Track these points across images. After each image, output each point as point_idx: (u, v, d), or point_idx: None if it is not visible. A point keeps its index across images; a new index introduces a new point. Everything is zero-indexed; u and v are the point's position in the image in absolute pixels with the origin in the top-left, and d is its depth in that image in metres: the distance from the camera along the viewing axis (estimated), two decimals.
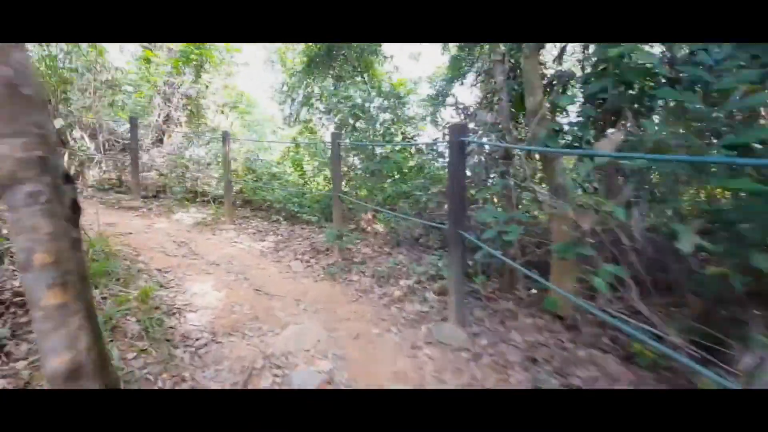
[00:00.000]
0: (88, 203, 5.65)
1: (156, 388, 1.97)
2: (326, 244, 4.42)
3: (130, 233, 4.42)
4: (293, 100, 7.66)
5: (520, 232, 2.22)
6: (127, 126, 7.04)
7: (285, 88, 7.61)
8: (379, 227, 5.38)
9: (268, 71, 11.78)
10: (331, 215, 5.54)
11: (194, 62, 7.01)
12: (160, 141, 7.93)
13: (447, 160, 2.42)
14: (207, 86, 7.24)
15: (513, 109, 3.32)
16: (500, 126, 2.79)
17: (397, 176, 5.26)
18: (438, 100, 6.26)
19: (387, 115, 5.58)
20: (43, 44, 6.55)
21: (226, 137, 5.12)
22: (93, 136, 6.76)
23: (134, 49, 8.18)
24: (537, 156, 3.04)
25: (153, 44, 7.72)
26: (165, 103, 7.75)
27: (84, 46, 6.75)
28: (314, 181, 6.55)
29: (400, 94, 5.38)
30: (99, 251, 3.38)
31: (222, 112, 7.55)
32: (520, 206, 2.85)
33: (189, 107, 7.52)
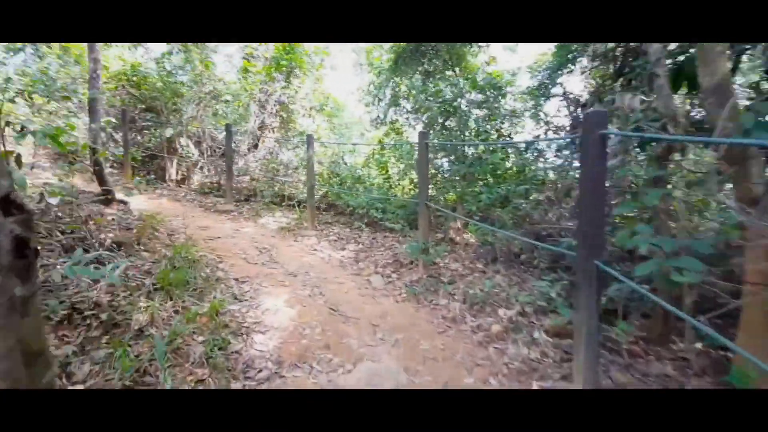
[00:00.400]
0: (189, 206, 6.01)
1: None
2: (410, 256, 3.94)
3: (218, 237, 4.46)
4: (380, 100, 7.35)
5: (700, 270, 1.45)
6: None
7: (372, 88, 7.32)
8: (471, 238, 4.73)
9: (356, 74, 11.77)
10: (416, 222, 5.07)
11: (285, 68, 7.12)
12: (255, 146, 8.30)
13: (555, 161, 1.74)
14: (296, 91, 7.31)
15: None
16: (656, 112, 1.98)
17: (491, 180, 4.56)
18: (541, 91, 5.38)
19: (481, 111, 4.91)
20: (161, 62, 7.23)
21: (309, 141, 4.97)
22: (198, 144, 7.26)
23: (236, 61, 8.71)
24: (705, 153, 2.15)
25: (252, 55, 8.09)
26: (260, 110, 8.05)
27: (195, 59, 7.30)
28: (399, 185, 6.15)
29: (499, 84, 4.66)
30: (182, 258, 3.36)
31: (309, 116, 7.58)
32: (688, 229, 2.00)
33: (281, 113, 7.68)
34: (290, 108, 7.52)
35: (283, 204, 6.23)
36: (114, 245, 3.21)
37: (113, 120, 6.77)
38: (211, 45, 8.78)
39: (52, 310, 2.10)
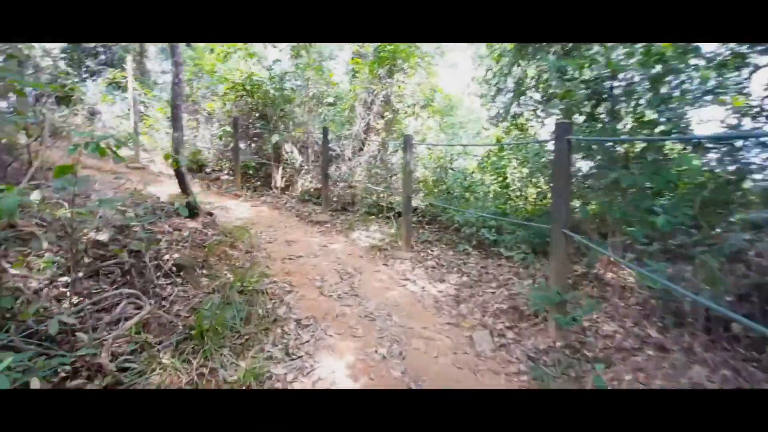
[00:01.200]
0: (285, 215, 5.74)
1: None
2: (535, 307, 2.72)
3: (300, 256, 3.91)
4: (500, 91, 6.07)
5: None
6: (336, 138, 7.10)
7: (490, 75, 6.09)
8: (630, 278, 3.23)
9: (474, 67, 10.52)
10: (541, 246, 3.75)
11: (387, 62, 6.40)
12: (361, 150, 7.83)
13: None
14: (401, 87, 6.54)
15: None
16: None
17: (665, 190, 2.98)
18: (740, 60, 3.45)
19: (645, 92, 3.33)
20: (271, 68, 7.26)
21: (407, 142, 4.09)
22: (303, 150, 7.08)
23: (344, 64, 8.40)
24: None
25: (358, 53, 7.64)
26: (366, 111, 7.54)
27: (305, 63, 7.15)
28: (521, 194, 4.83)
29: (683, 50, 3.04)
30: (244, 287, 2.81)
31: (413, 114, 6.72)
32: None
33: (385, 113, 7.01)
34: (395, 107, 6.79)
35: (381, 215, 5.50)
36: (174, 269, 2.82)
37: (227, 128, 7.01)
38: (323, 50, 8.74)
39: (43, 370, 1.63)
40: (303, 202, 6.48)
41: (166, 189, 5.98)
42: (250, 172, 7.34)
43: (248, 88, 7.01)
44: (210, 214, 4.06)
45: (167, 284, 2.65)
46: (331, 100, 7.20)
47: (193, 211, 3.83)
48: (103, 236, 2.67)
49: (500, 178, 4.85)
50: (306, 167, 7.01)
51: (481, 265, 3.81)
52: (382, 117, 7.21)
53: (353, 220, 5.29)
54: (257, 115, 7.26)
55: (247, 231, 4.42)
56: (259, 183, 6.98)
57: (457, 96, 9.89)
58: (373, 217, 5.51)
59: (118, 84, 7.65)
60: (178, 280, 2.74)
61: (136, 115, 6.91)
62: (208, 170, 7.46)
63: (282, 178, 6.95)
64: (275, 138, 6.58)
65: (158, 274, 2.72)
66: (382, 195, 5.71)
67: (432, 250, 4.22)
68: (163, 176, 6.85)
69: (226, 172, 7.51)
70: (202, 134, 7.84)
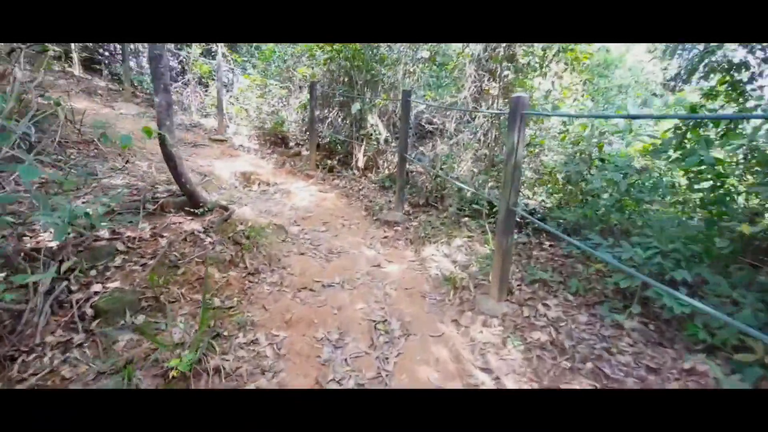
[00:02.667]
0: (353, 207, 4.46)
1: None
2: None
3: (329, 286, 2.58)
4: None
5: None
6: (440, 106, 5.50)
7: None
8: None
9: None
10: None
11: None
12: (469, 123, 6.02)
13: None
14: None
15: None
16: None
17: None
18: None
19: None
20: None
21: (516, 109, 2.27)
22: (390, 123, 5.64)
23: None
24: None
25: None
26: (477, 71, 5.66)
27: None
28: (736, 208, 2.53)
29: None
30: (172, 367, 1.60)
31: (543, 71, 4.61)
32: None
33: (508, 71, 5.02)
34: (519, 62, 4.77)
35: (478, 221, 3.77)
36: (89, 314, 1.76)
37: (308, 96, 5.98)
38: None
39: None
40: (382, 189, 5.11)
41: (235, 166, 5.31)
42: (331, 147, 6.27)
43: (336, 45, 5.79)
44: (225, 208, 2.99)
45: (51, 348, 1.59)
46: (426, 54, 5.52)
47: (197, 205, 2.79)
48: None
49: (705, 177, 2.59)
50: (392, 145, 5.58)
51: (652, 361, 1.88)
52: (499, 78, 5.27)
53: (433, 227, 3.70)
54: (345, 79, 6.05)
55: (277, 232, 3.27)
56: (337, 161, 5.85)
57: (612, 51, 7.08)
58: (466, 219, 3.82)
59: (209, 50, 7.34)
60: (78, 337, 1.67)
61: (222, 83, 6.41)
62: (291, 144, 6.68)
63: (364, 156, 5.68)
64: (356, 107, 5.28)
65: (58, 322, 1.69)
66: (482, 191, 3.93)
67: (547, 303, 2.40)
68: (242, 149, 6.26)
69: (307, 146, 6.61)
70: (292, 104, 7.06)
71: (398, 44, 5.75)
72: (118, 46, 8.02)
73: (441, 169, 4.54)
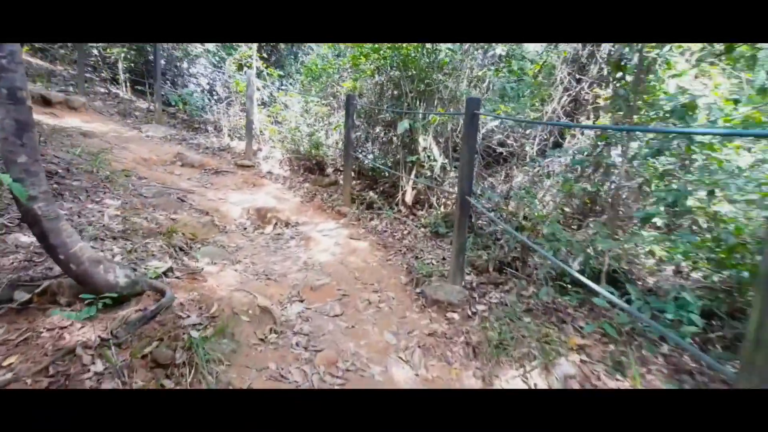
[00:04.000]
0: (390, 265, 3.13)
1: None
2: None
3: None
4: None
5: None
6: (522, 120, 4.12)
7: None
8: None
9: None
10: None
11: None
12: (557, 145, 4.45)
13: None
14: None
15: None
16: None
17: None
18: None
19: None
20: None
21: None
22: (454, 147, 4.27)
23: None
24: None
25: None
26: (573, 76, 4.16)
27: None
28: None
29: None
30: None
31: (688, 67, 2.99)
32: None
33: (617, 75, 3.45)
34: (648, 59, 3.19)
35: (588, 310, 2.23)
36: None
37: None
38: None
39: None
40: (435, 236, 3.73)
41: (254, 199, 4.29)
42: (374, 175, 5.04)
43: (384, 53, 4.62)
44: (160, 292, 1.80)
45: None
46: (501, 50, 4.12)
47: (96, 291, 1.63)
48: None
49: None
50: (451, 174, 4.21)
51: None
52: (605, 83, 3.71)
53: (513, 320, 2.22)
54: (394, 92, 4.83)
55: (258, 321, 2.03)
56: (380, 194, 4.59)
57: None
58: (571, 303, 2.29)
59: (246, 65, 6.61)
60: None
61: (252, 100, 5.54)
62: (328, 171, 5.59)
63: (412, 189, 4.35)
64: (404, 125, 4.00)
65: None
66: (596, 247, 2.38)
67: None
68: (269, 177, 5.28)
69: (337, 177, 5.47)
70: (333, 123, 6.03)
71: (464, 44, 4.43)
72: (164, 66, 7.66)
73: (518, 221, 3.06)
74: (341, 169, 5.58)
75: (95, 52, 7.51)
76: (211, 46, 7.31)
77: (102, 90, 7.52)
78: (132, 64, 7.64)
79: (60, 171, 3.32)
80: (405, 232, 3.83)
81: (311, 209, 4.42)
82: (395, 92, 4.72)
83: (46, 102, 5.66)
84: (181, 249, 2.75)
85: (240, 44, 7.05)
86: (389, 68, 4.65)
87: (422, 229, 3.87)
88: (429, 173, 4.24)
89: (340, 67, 5.82)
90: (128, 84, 7.66)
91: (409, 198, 4.34)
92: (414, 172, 4.28)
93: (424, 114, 4.21)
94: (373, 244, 3.52)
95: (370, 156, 4.99)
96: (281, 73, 7.00)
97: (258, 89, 6.17)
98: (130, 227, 2.75)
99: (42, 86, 6.68)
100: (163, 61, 7.02)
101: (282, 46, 8.19)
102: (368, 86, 5.13)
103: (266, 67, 6.94)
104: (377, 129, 4.98)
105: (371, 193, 4.58)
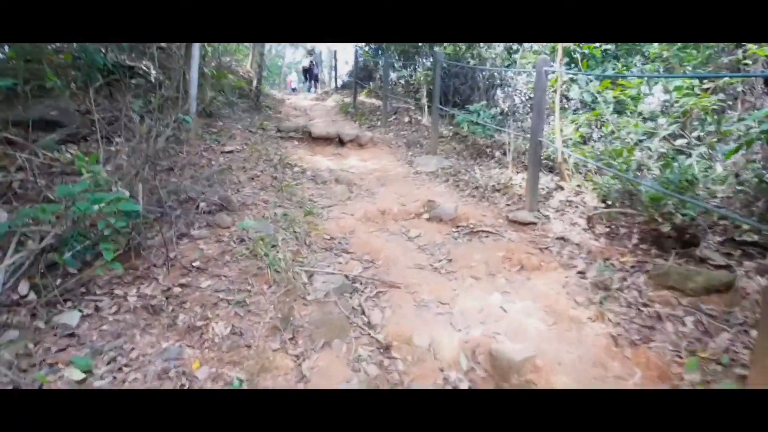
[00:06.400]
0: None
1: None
2: None
3: None
4: None
5: None
6: None
7: None
8: None
9: None
10: None
11: None
12: None
13: None
14: None
15: None
16: None
17: None
18: None
19: None
20: None
21: None
22: None
23: None
24: None
25: None
26: None
27: None
28: None
29: None
30: None
31: None
32: None
33: None
34: None
35: None
36: None
37: None
38: None
39: None
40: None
41: (514, 319, 1.99)
42: None
43: None
44: None
45: None
46: None
47: None
48: None
49: None
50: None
51: None
52: None
53: None
54: None
55: None
56: None
57: None
58: None
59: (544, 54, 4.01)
60: None
61: (539, 111, 3.04)
62: (706, 251, 2.35)
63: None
64: None
65: None
66: None
67: None
68: (556, 254, 2.73)
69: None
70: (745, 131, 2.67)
71: None
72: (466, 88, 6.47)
73: None
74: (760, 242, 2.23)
75: (401, 81, 7.36)
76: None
77: (406, 120, 7.27)
78: (430, 87, 6.98)
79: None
80: None
81: (646, 363, 1.63)
82: None
83: (341, 142, 5.63)
84: None
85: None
86: None
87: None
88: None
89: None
90: (428, 109, 7.06)
91: None
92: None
93: None
94: None
95: None
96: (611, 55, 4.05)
97: (561, 88, 3.66)
98: None
99: (356, 124, 7.06)
100: (455, 82, 5.81)
101: None
102: None
103: (589, 50, 4.23)
104: None
105: None
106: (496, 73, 5.98)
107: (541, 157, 3.28)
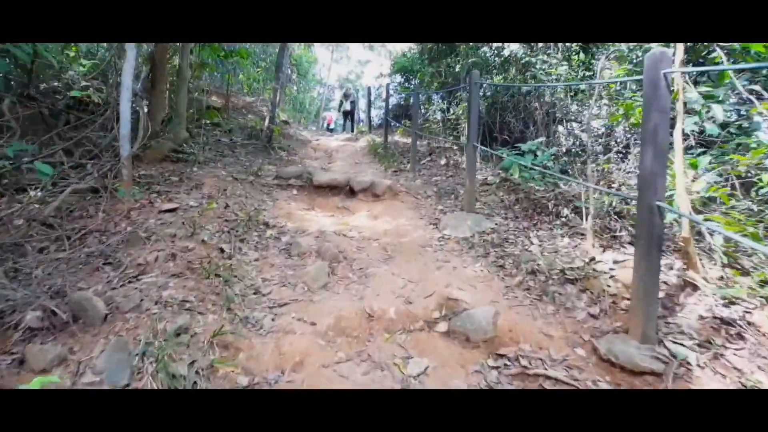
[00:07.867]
0: None
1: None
2: None
3: None
4: None
5: None
6: None
7: None
8: None
9: None
10: None
11: None
12: None
13: None
14: None
15: None
16: None
17: None
18: None
19: None
20: None
21: None
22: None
23: None
24: None
25: None
26: None
27: None
28: None
29: None
30: None
31: None
32: None
33: None
34: None
35: None
36: None
37: None
38: None
39: None
40: None
41: None
42: None
43: None
44: None
45: None
46: None
47: None
48: None
49: None
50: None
51: None
52: None
53: None
54: None
55: None
56: None
57: None
58: None
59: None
60: None
61: (653, 148, 1.62)
62: None
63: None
64: None
65: None
66: None
67: None
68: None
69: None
70: None
71: None
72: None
73: None
74: None
75: (436, 116, 6.11)
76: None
77: (442, 162, 5.95)
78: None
79: None
80: None
81: None
82: None
83: (351, 191, 4.42)
84: None
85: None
86: None
87: None
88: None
89: None
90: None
91: None
92: None
93: None
94: None
95: None
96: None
97: (683, 109, 2.16)
98: None
99: (382, 167, 5.87)
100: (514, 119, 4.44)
101: None
102: None
103: (714, 61, 2.69)
104: None
105: None
106: (557, 102, 4.52)
107: (663, 235, 1.72)
